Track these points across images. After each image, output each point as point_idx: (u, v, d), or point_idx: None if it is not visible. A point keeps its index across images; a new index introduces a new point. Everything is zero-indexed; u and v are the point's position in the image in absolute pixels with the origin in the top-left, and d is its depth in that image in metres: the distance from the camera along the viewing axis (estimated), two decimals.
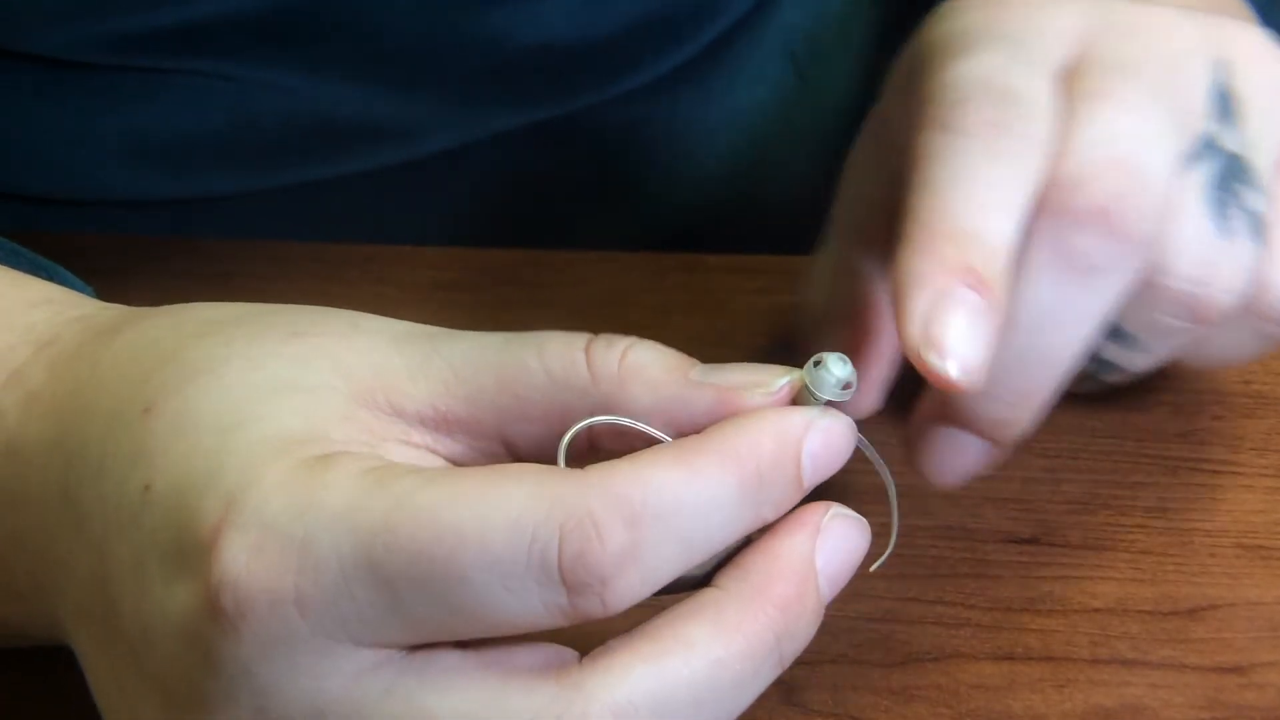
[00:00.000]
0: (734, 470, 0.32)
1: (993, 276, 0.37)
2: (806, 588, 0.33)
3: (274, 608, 0.30)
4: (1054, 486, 0.47)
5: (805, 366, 0.34)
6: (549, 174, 0.66)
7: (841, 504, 0.34)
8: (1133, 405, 0.48)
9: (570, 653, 0.32)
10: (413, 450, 0.34)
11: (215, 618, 0.31)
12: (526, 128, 0.64)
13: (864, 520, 0.34)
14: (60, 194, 0.61)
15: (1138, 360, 0.42)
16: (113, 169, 0.61)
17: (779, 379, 0.34)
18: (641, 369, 0.34)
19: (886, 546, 0.36)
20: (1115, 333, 0.41)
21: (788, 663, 0.33)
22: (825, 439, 0.33)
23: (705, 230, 0.68)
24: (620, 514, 0.31)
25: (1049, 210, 0.38)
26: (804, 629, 0.33)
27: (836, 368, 0.33)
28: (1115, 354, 0.42)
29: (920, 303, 0.36)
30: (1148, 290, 0.40)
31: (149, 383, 0.34)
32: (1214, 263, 0.39)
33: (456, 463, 0.34)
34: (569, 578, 0.30)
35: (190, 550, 0.31)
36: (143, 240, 0.57)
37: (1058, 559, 0.45)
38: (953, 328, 0.36)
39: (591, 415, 0.33)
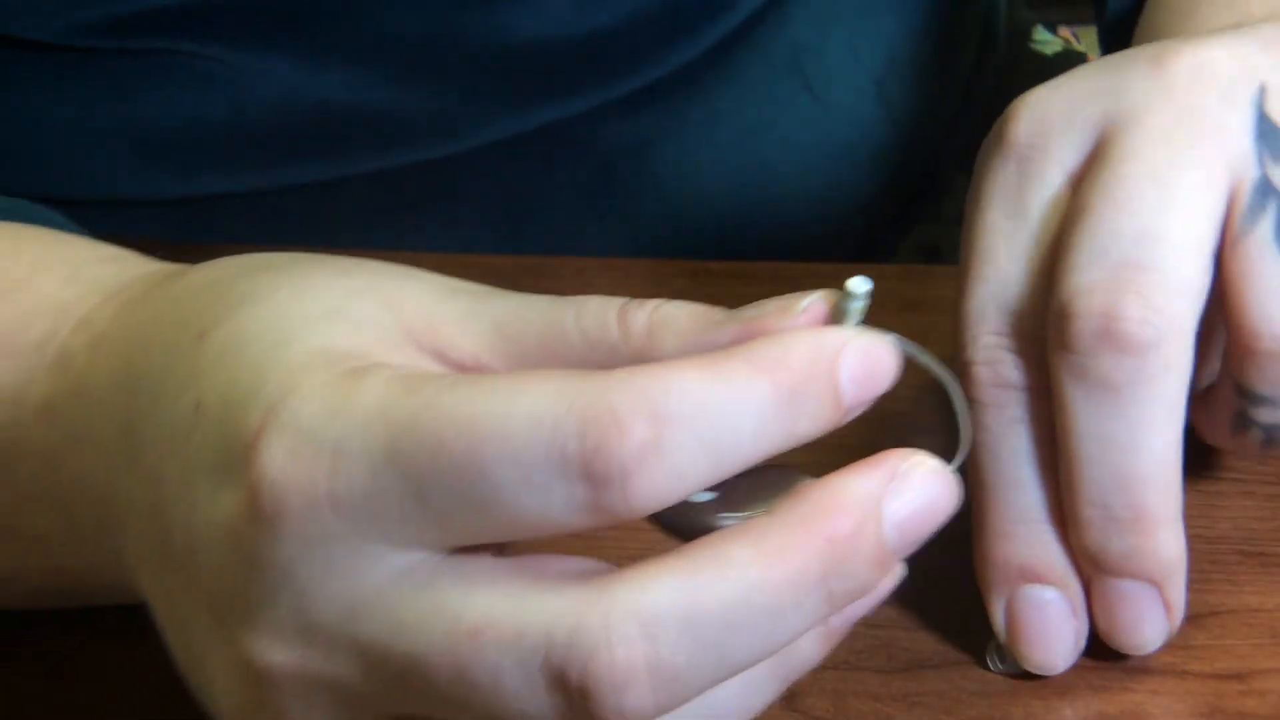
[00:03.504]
0: (764, 377, 0.31)
1: (1054, 564, 0.41)
2: (865, 527, 0.31)
3: (309, 508, 0.31)
4: None
5: (835, 299, 0.33)
6: (554, 187, 0.66)
7: (932, 456, 0.32)
8: None
9: (608, 566, 0.32)
10: None
11: (256, 519, 0.31)
12: (530, 136, 0.64)
13: (953, 476, 0.32)
14: (64, 194, 0.61)
15: None
16: (116, 165, 0.61)
17: (801, 301, 0.33)
18: (669, 320, 0.34)
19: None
20: (1256, 399, 0.40)
21: (841, 605, 0.31)
22: (864, 358, 0.32)
23: (712, 245, 0.68)
24: (642, 410, 0.30)
25: (1055, 343, 0.39)
26: (860, 571, 0.31)
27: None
28: (1272, 416, 0.41)
29: (998, 603, 0.41)
30: (1251, 358, 0.39)
31: (204, 312, 0.35)
32: None
33: None
34: (589, 471, 0.30)
35: (234, 457, 0.32)
36: (151, 246, 0.57)
37: None
38: (1029, 632, 0.41)
39: None
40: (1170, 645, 0.42)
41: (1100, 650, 0.42)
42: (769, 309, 0.33)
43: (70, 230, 0.45)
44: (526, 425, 0.30)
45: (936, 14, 0.72)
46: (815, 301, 0.33)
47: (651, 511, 0.31)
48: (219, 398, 0.33)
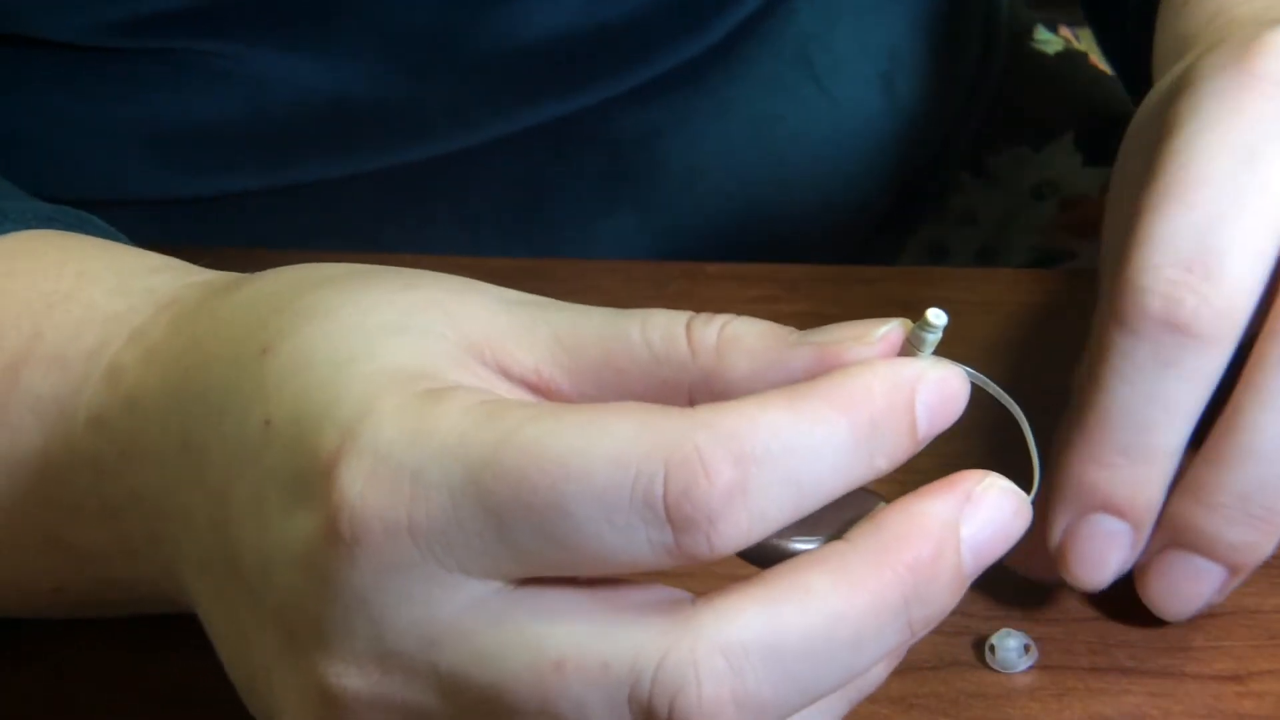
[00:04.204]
0: (845, 414, 0.31)
1: (1140, 504, 0.39)
2: (944, 552, 0.31)
3: (388, 534, 0.30)
4: None
5: (910, 328, 0.33)
6: (565, 178, 0.66)
7: (1003, 477, 0.33)
8: None
9: (685, 595, 0.32)
10: None
11: (334, 543, 0.31)
12: (541, 128, 0.64)
13: (1024, 496, 0.33)
14: (77, 195, 0.62)
15: None
16: (131, 164, 0.61)
17: (878, 329, 0.33)
18: (739, 339, 0.33)
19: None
20: None
21: (919, 629, 0.32)
22: (939, 389, 0.32)
23: (721, 235, 0.68)
24: (728, 451, 0.30)
25: (1277, 338, 0.38)
26: (938, 595, 0.32)
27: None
28: None
29: (1062, 519, 0.40)
30: None
31: (266, 328, 0.35)
32: None
33: None
34: (675, 515, 0.30)
35: (310, 478, 0.31)
36: (161, 249, 0.57)
37: None
38: (1082, 553, 0.40)
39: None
40: (1169, 647, 0.42)
41: (1099, 651, 0.42)
42: (844, 335, 0.33)
43: (114, 237, 0.45)
44: (610, 465, 0.30)
45: (939, 8, 0.72)
46: (892, 330, 0.33)
47: (734, 553, 0.31)
48: (289, 416, 0.32)
